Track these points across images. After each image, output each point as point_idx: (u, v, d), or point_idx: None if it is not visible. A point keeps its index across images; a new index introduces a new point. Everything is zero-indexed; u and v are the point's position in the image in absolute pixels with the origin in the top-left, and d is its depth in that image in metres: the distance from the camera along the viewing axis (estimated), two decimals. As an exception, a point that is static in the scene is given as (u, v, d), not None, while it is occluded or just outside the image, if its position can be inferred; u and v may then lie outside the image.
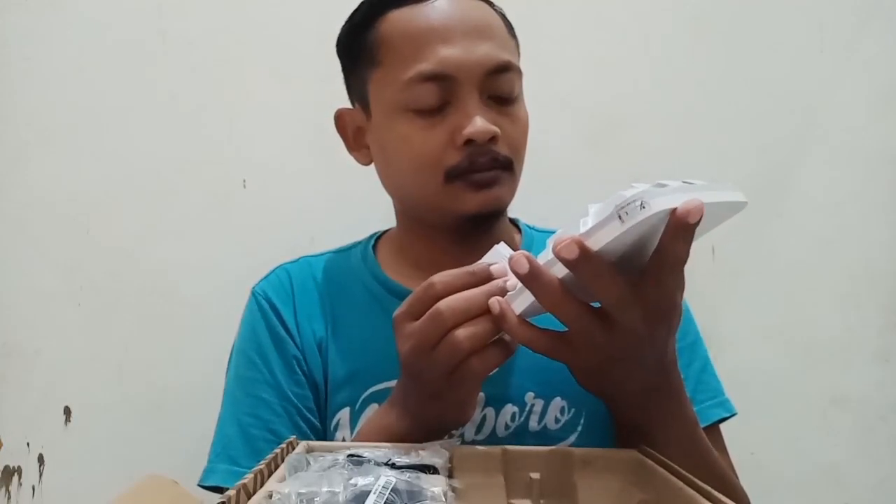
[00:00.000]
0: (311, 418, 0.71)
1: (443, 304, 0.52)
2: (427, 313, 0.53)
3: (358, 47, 0.72)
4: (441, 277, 0.54)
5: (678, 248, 0.47)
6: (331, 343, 0.73)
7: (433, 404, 0.56)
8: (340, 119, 0.77)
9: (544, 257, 0.49)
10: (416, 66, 0.66)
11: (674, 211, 0.44)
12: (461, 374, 0.52)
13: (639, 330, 0.49)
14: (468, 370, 0.52)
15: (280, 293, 0.76)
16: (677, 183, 0.45)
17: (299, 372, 0.72)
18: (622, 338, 0.50)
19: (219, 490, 0.70)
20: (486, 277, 0.53)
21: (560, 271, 0.47)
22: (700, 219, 0.44)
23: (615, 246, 0.45)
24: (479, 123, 0.65)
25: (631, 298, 0.48)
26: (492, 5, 0.73)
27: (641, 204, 0.42)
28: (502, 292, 0.52)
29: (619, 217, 0.43)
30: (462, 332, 0.51)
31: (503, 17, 0.73)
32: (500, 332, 0.53)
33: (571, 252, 0.45)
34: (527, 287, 0.49)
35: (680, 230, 0.45)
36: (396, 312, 0.56)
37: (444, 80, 0.66)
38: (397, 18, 0.69)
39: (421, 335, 0.53)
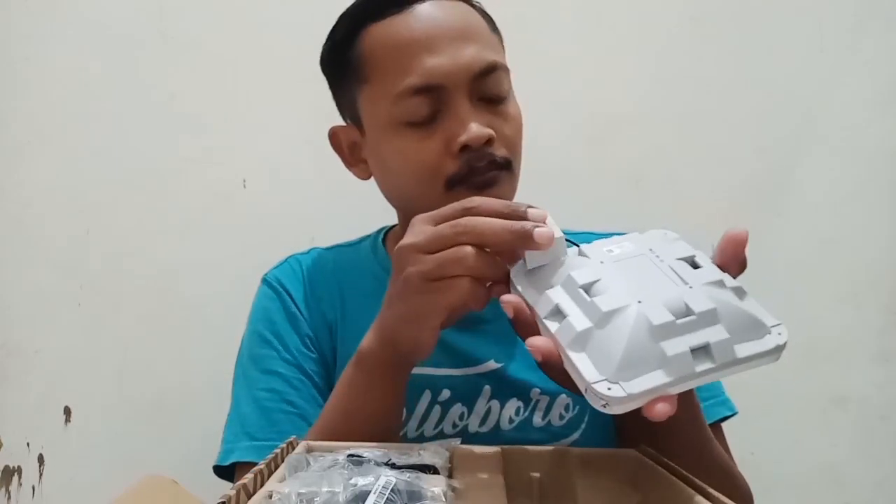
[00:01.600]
0: (328, 394, 0.71)
1: (467, 222, 0.51)
2: (449, 223, 0.51)
3: (343, 65, 0.72)
4: (480, 200, 0.52)
5: None
6: (340, 329, 0.74)
7: (399, 306, 0.54)
8: (335, 137, 0.77)
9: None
10: (404, 79, 0.65)
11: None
12: (444, 286, 0.50)
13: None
14: (456, 286, 0.50)
15: (292, 279, 0.77)
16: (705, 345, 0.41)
17: (314, 350, 0.73)
18: None
19: (231, 472, 0.70)
20: (522, 214, 0.51)
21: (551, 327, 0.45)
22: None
23: None
24: (474, 129, 0.64)
25: None
26: (470, 3, 0.72)
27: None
28: (525, 233, 0.49)
29: (604, 406, 0.40)
30: (472, 251, 0.50)
31: (483, 13, 0.73)
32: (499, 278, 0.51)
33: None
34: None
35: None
36: (419, 215, 0.54)
37: (433, 90, 0.65)
38: (379, 32, 0.68)
39: (431, 237, 0.51)
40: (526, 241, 0.49)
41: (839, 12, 1.12)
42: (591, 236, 0.59)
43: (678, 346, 0.40)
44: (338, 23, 0.73)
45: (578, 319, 0.43)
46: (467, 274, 0.50)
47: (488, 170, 0.66)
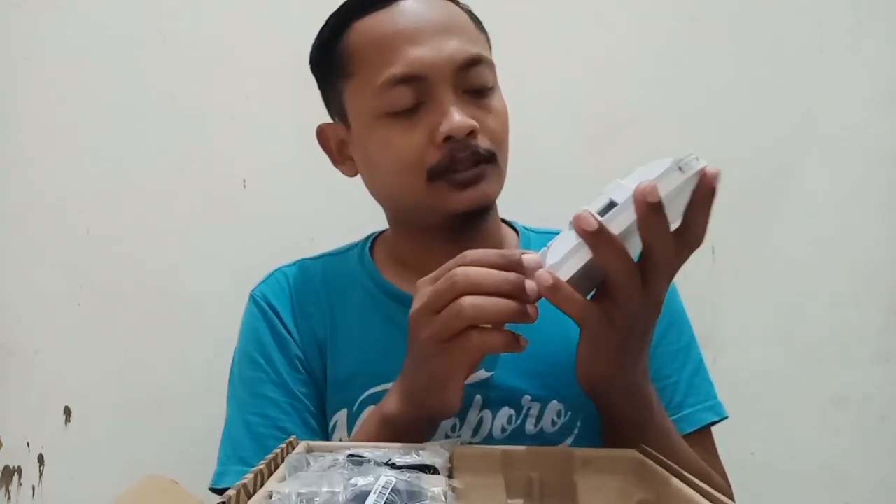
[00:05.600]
0: (319, 416, 0.71)
1: (459, 271, 0.52)
2: (444, 277, 0.53)
3: (329, 62, 0.72)
4: (473, 253, 0.54)
5: (696, 219, 0.50)
6: (330, 344, 0.73)
7: (422, 373, 0.55)
8: (322, 134, 0.77)
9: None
10: (387, 70, 0.66)
11: (704, 175, 0.49)
12: (456, 343, 0.52)
13: (653, 296, 0.52)
14: (465, 340, 0.52)
15: (279, 295, 0.76)
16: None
17: (303, 371, 0.72)
18: (651, 297, 0.52)
19: None
20: (516, 263, 0.53)
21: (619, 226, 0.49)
22: (714, 189, 0.49)
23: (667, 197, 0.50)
24: (457, 119, 0.65)
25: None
26: (457, 3, 0.73)
27: (696, 157, 0.49)
28: (520, 282, 0.51)
29: (680, 168, 0.49)
30: (468, 300, 0.51)
31: (470, 13, 0.73)
32: (508, 321, 0.52)
33: (654, 196, 0.48)
34: (593, 240, 0.49)
35: (702, 198, 0.50)
36: (422, 279, 0.56)
37: (416, 81, 0.66)
38: (363, 27, 0.69)
39: (432, 296, 0.53)
40: (520, 292, 0.51)
41: (839, 12, 1.12)
42: None
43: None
44: (325, 24, 0.74)
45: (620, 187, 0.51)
46: (471, 324, 0.51)
47: (472, 161, 0.66)
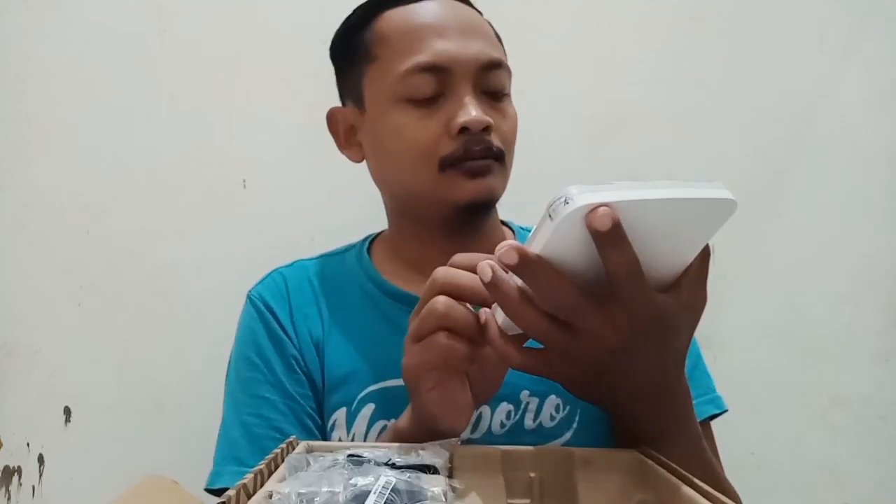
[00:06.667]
0: (316, 416, 0.71)
1: (441, 270, 0.53)
2: (431, 277, 0.53)
3: (353, 46, 0.74)
4: (464, 256, 0.54)
5: (610, 257, 0.43)
6: (327, 344, 0.73)
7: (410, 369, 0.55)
8: (332, 118, 0.78)
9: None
10: (413, 58, 0.68)
11: (591, 214, 0.41)
12: (425, 342, 0.52)
13: (607, 340, 0.46)
14: (431, 340, 0.51)
15: (276, 296, 0.76)
16: (639, 182, 0.42)
17: (300, 372, 0.72)
18: (589, 346, 0.47)
19: (221, 494, 0.70)
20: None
21: (520, 280, 0.46)
22: (611, 226, 0.40)
23: (562, 250, 0.43)
24: (474, 112, 0.67)
25: (587, 304, 0.45)
26: (479, 13, 0.75)
27: (565, 200, 0.40)
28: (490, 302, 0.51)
29: (549, 216, 0.41)
30: (441, 299, 0.51)
31: (490, 25, 0.76)
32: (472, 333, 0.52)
33: (510, 258, 0.43)
34: (490, 295, 0.48)
35: (598, 239, 0.42)
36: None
37: (439, 72, 0.68)
38: (393, 16, 0.71)
39: (421, 299, 0.53)
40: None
41: (839, 12, 1.12)
42: None
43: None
44: (353, 11, 0.76)
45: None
46: (441, 326, 0.51)
47: (483, 155, 0.68)
